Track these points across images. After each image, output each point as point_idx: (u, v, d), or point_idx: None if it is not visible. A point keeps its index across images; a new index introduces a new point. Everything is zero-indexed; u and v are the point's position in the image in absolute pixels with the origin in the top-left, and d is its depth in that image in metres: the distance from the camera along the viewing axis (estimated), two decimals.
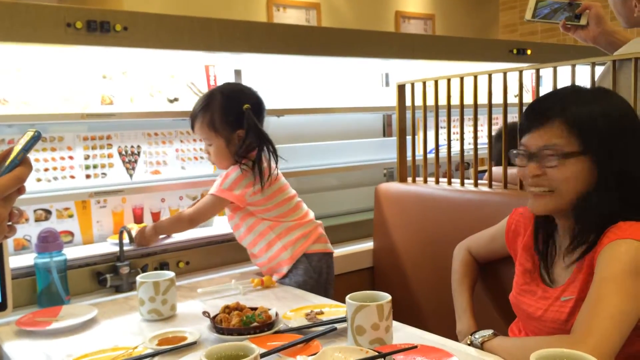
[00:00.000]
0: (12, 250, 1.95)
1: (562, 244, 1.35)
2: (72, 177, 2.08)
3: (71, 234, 2.08)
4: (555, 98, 1.32)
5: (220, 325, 1.39)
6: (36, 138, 0.86)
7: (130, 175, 2.21)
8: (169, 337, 1.39)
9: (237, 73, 2.48)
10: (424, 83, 2.20)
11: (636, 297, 1.16)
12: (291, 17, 6.18)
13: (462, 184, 2.07)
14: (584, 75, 1.70)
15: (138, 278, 1.58)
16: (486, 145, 2.01)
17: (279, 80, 2.67)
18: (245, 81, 2.42)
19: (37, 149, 2.00)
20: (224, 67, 2.43)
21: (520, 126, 1.36)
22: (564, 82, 1.59)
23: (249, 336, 1.35)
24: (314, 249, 1.91)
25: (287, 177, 2.01)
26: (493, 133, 2.02)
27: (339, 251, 2.26)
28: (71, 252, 1.88)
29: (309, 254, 1.90)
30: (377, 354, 1.12)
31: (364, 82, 3.00)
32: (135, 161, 2.22)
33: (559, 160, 1.25)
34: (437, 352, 1.23)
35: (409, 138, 2.32)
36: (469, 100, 2.01)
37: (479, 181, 2.03)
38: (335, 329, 1.38)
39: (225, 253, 2.14)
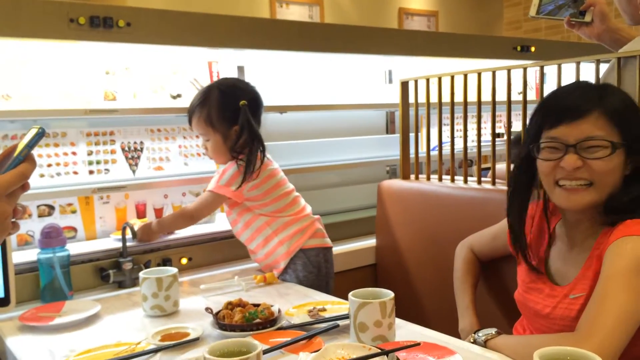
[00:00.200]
0: (15, 245, 1.95)
1: (573, 239, 1.33)
2: (75, 172, 2.08)
3: (74, 229, 2.08)
4: (583, 90, 1.29)
5: (222, 321, 1.39)
6: (40, 135, 0.86)
7: (133, 171, 2.21)
8: (171, 333, 1.39)
9: (240, 69, 2.48)
10: (428, 80, 2.19)
11: None
12: (294, 13, 6.18)
13: (465, 181, 2.07)
14: (588, 73, 1.69)
15: (141, 274, 1.58)
16: (489, 143, 2.01)
17: (282, 77, 2.67)
18: (248, 77, 2.42)
19: (40, 145, 1.99)
20: (227, 63, 2.43)
21: (541, 119, 1.30)
22: (568, 79, 1.58)
23: (251, 332, 1.35)
24: (310, 244, 1.91)
25: (290, 173, 2.01)
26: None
27: (341, 248, 2.26)
28: (74, 248, 1.88)
29: (306, 249, 1.90)
30: (379, 351, 1.12)
31: (367, 79, 3.00)
32: (138, 157, 2.22)
33: (604, 151, 1.22)
34: (440, 349, 1.23)
35: (412, 135, 2.32)
36: (472, 97, 2.00)
37: (482, 179, 2.03)
38: (338, 325, 1.38)
39: (227, 249, 2.14)
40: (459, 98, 2.05)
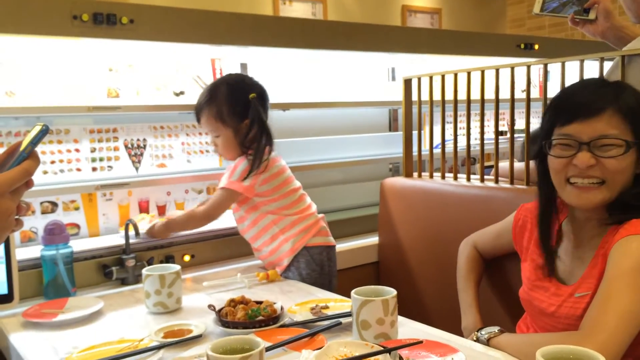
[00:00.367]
0: (18, 242, 1.96)
1: (579, 237, 1.33)
2: (79, 169, 2.09)
3: (77, 226, 2.09)
4: (597, 87, 1.28)
5: (225, 318, 1.40)
6: (44, 132, 0.86)
7: (136, 168, 2.22)
8: (174, 330, 1.39)
9: (243, 66, 2.48)
10: (431, 78, 2.19)
11: None
12: (297, 10, 6.17)
13: (468, 179, 2.06)
14: (592, 71, 1.69)
15: (144, 271, 1.58)
16: (492, 141, 2.00)
17: (285, 74, 2.67)
18: (251, 75, 2.41)
19: (43, 142, 1.99)
20: (230, 60, 2.43)
21: (554, 116, 1.29)
22: (572, 77, 1.57)
23: (254, 330, 1.35)
24: (314, 242, 1.92)
25: (292, 171, 2.01)
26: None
27: (344, 246, 2.26)
28: (77, 245, 1.89)
29: (310, 247, 1.90)
30: (382, 348, 1.12)
31: (370, 77, 2.99)
32: (141, 154, 2.22)
33: (618, 149, 1.21)
34: (443, 347, 1.23)
35: (415, 133, 2.32)
36: (476, 95, 2.00)
37: (486, 176, 2.02)
38: (341, 323, 1.38)
39: (230, 246, 2.14)
40: (462, 96, 2.05)
